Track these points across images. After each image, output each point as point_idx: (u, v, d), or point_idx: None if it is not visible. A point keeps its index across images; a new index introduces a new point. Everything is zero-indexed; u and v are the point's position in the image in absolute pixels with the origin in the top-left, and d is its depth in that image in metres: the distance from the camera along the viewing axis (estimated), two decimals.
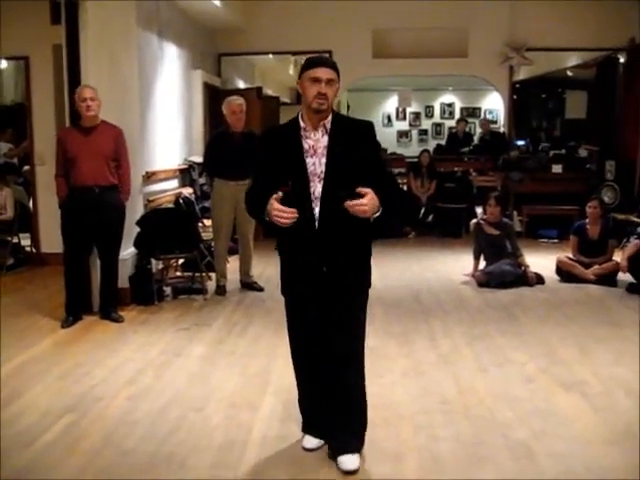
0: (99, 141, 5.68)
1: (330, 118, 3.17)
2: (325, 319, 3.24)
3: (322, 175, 3.12)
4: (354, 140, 3.15)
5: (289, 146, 3.16)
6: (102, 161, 5.68)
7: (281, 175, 3.14)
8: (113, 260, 5.96)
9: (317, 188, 3.13)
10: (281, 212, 3.02)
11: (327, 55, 3.22)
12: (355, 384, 3.32)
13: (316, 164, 3.13)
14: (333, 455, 3.31)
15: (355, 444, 3.32)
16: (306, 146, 3.15)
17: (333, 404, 3.31)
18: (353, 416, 3.32)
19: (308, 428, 3.52)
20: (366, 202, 2.96)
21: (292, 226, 3.06)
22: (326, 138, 3.15)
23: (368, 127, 3.24)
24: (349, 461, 3.23)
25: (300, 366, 3.46)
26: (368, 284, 3.31)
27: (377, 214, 3.03)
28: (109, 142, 5.73)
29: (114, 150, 5.76)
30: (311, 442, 3.47)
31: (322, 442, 3.45)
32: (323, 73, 3.06)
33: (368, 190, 2.98)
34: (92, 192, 5.65)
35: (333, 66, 3.12)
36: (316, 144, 3.15)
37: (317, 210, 3.13)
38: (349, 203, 2.96)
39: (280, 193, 3.04)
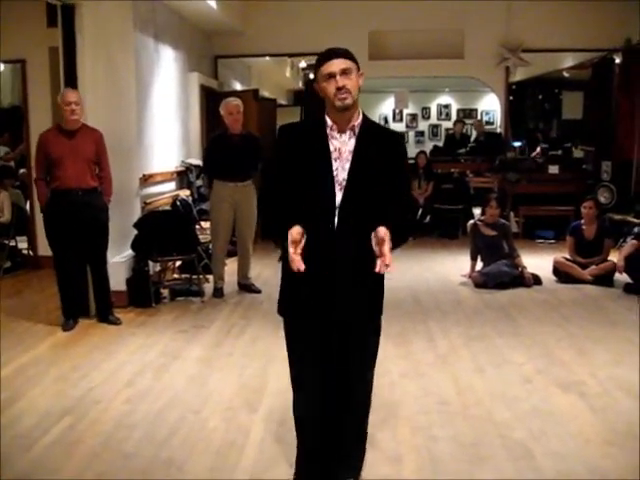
0: (82, 144, 5.64)
1: (360, 120, 2.81)
2: (334, 347, 2.90)
3: (343, 183, 2.75)
4: (382, 150, 2.81)
5: (314, 146, 2.79)
6: (85, 164, 5.65)
7: (302, 180, 2.77)
8: (102, 263, 5.93)
9: (337, 197, 2.76)
10: (294, 260, 2.61)
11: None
12: (361, 425, 3.06)
13: (339, 170, 2.76)
14: None
15: (351, 473, 3.08)
16: (332, 148, 2.78)
17: (333, 445, 3.01)
18: (351, 458, 3.08)
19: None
20: (388, 255, 2.65)
21: (307, 236, 2.66)
22: (353, 141, 2.79)
23: (400, 139, 2.94)
24: None
25: (306, 420, 3.03)
26: (380, 311, 2.97)
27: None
28: (91, 145, 5.69)
29: (96, 153, 5.72)
30: None
31: None
32: (335, 65, 2.70)
33: (380, 237, 2.64)
34: (75, 195, 5.61)
35: (345, 54, 2.75)
36: (342, 147, 2.78)
37: (335, 221, 2.76)
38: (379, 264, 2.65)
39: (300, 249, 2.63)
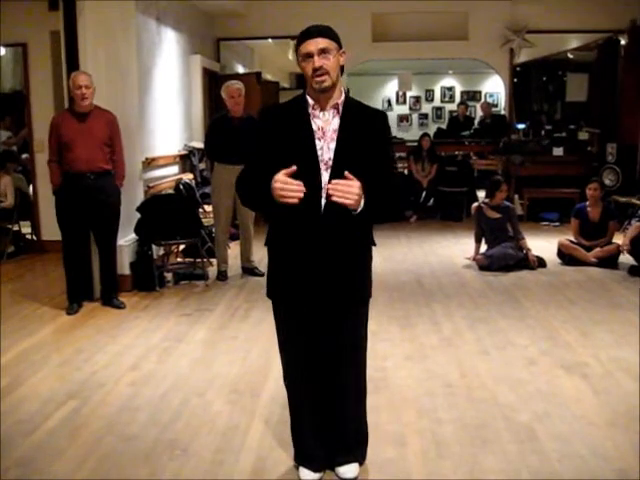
0: (94, 127, 5.63)
1: (342, 99, 2.77)
2: (322, 330, 2.92)
3: (330, 162, 2.72)
4: (367, 128, 2.78)
5: (296, 126, 2.74)
6: (97, 147, 5.64)
7: (285, 160, 2.66)
8: (111, 246, 5.94)
9: (323, 177, 2.72)
10: (287, 185, 2.59)
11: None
12: (356, 406, 3.09)
13: (324, 149, 2.73)
14: (331, 467, 3.11)
15: (355, 457, 3.11)
16: (315, 127, 2.74)
17: (332, 430, 3.07)
18: (352, 442, 3.11)
19: (303, 460, 3.13)
20: (357, 185, 2.60)
21: (292, 217, 2.72)
22: (337, 120, 2.75)
23: (383, 117, 2.88)
24: (348, 470, 3.06)
25: (295, 389, 3.09)
26: (369, 294, 2.98)
27: (360, 208, 2.66)
28: (103, 128, 5.69)
29: (108, 136, 5.71)
30: (307, 474, 3.08)
31: (320, 474, 3.09)
32: (313, 45, 2.64)
33: (355, 179, 2.62)
34: (87, 178, 5.61)
35: (324, 33, 2.67)
36: (326, 125, 2.75)
37: (322, 202, 2.73)
38: (337, 181, 2.60)
39: (294, 167, 2.61)
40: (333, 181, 2.62)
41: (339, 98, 2.77)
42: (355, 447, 3.13)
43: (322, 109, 2.76)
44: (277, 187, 2.59)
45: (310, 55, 2.65)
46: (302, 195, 2.58)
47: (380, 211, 2.82)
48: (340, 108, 2.77)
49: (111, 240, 5.94)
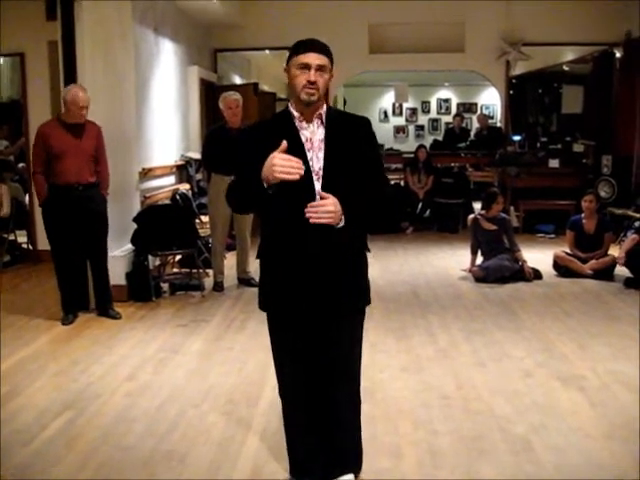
0: (83, 139, 5.59)
1: (325, 109, 2.81)
2: (317, 341, 2.91)
3: (320, 172, 2.75)
4: (353, 135, 2.81)
5: (286, 138, 2.67)
6: (85, 159, 5.61)
7: None
8: (102, 257, 5.91)
9: (316, 186, 2.74)
10: (287, 161, 2.56)
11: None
12: (351, 418, 3.07)
13: (313, 159, 2.75)
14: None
15: (350, 468, 3.09)
16: (303, 138, 2.77)
17: (328, 441, 3.05)
18: (347, 454, 3.09)
19: (299, 474, 3.12)
20: (331, 203, 2.65)
21: (286, 228, 2.76)
22: (322, 130, 2.79)
23: (367, 123, 2.91)
24: (344, 479, 3.05)
25: (290, 401, 3.09)
26: (365, 302, 2.97)
27: (342, 223, 2.70)
28: (91, 140, 5.65)
29: (95, 148, 5.68)
30: None
31: None
32: (313, 59, 2.66)
33: (329, 195, 2.67)
34: (75, 190, 5.57)
35: (325, 51, 2.72)
36: (313, 136, 2.78)
37: None
38: (312, 204, 2.65)
39: (285, 143, 2.59)
40: (309, 205, 2.65)
41: (322, 109, 2.81)
42: (350, 459, 3.12)
43: (307, 121, 2.80)
44: (277, 164, 2.56)
45: (307, 67, 2.68)
46: (302, 172, 2.58)
47: (374, 218, 2.87)
48: (323, 118, 2.81)
49: (102, 249, 5.89)
